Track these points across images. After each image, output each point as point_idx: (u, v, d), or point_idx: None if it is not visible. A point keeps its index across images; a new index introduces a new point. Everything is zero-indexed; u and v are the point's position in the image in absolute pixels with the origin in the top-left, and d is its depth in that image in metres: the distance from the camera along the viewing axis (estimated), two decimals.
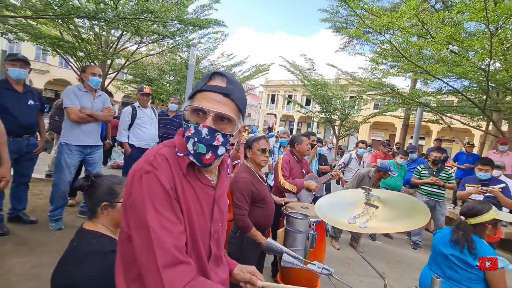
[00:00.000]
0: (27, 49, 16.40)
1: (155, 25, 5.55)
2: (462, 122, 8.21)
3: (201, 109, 0.80)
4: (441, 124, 11.04)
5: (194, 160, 0.82)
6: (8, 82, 2.85)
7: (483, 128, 8.82)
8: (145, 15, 4.08)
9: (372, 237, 4.73)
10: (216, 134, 0.80)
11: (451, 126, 9.89)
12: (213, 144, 0.80)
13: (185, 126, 0.83)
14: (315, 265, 1.31)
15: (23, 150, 2.94)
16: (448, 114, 8.93)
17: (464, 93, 7.07)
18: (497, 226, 1.75)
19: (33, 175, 3.50)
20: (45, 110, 3.35)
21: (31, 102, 2.97)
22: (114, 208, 1.28)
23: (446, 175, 4.56)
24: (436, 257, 1.87)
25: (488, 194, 3.44)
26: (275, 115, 36.09)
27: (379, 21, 5.40)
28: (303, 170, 3.09)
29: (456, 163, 6.75)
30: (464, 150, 6.95)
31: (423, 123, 10.18)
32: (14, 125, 2.75)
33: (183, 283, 0.68)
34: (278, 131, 5.54)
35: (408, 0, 5.56)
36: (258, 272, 1.08)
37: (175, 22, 5.40)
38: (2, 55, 7.04)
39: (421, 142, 21.13)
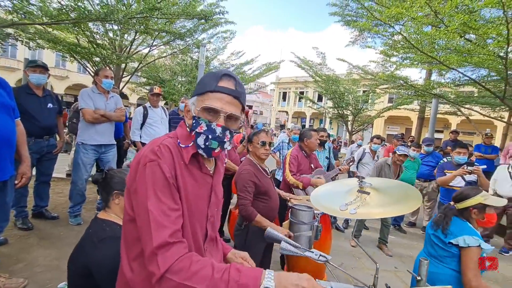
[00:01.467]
0: (48, 56, 17.22)
1: (163, 22, 5.68)
2: (481, 114, 7.88)
3: (216, 110, 0.87)
4: (460, 116, 10.63)
5: (203, 153, 0.90)
6: (29, 87, 3.04)
7: (505, 119, 8.41)
8: (153, 12, 4.22)
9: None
10: (227, 132, 0.90)
11: (470, 118, 9.50)
12: (224, 140, 0.90)
13: (194, 122, 0.89)
14: (313, 252, 1.34)
15: (44, 151, 3.13)
16: (467, 106, 8.57)
17: (483, 83, 6.79)
18: (484, 211, 1.76)
19: (55, 175, 3.72)
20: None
21: (50, 105, 3.15)
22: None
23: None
24: (426, 237, 1.97)
25: (469, 177, 3.56)
26: (287, 112, 35.92)
27: (387, 13, 5.28)
28: (312, 165, 3.11)
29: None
30: (482, 142, 6.68)
31: (440, 116, 9.82)
32: (36, 127, 2.93)
33: (174, 259, 0.75)
34: (289, 128, 5.56)
35: None
36: (250, 258, 1.14)
37: (182, 18, 5.52)
38: (25, 63, 7.51)
39: (439, 135, 20.40)
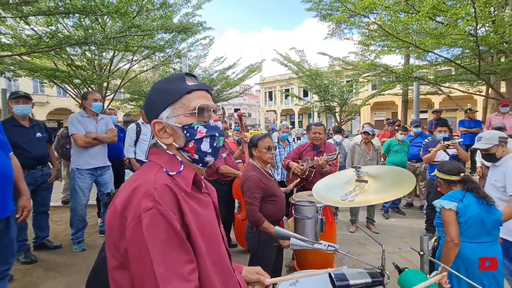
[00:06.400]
0: (25, 83, 16.78)
1: (144, 41, 5.70)
2: (460, 90, 8.18)
3: (208, 106, 0.78)
4: (441, 94, 10.99)
5: (211, 160, 0.81)
6: (15, 119, 3.00)
7: (483, 93, 8.76)
8: (132, 30, 4.22)
9: (385, 216, 4.80)
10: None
11: (451, 95, 9.84)
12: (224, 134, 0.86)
13: (187, 132, 0.77)
14: (321, 243, 1.41)
15: (38, 181, 3.10)
16: (446, 84, 8.89)
17: (458, 61, 7.06)
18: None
19: (50, 203, 3.66)
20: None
21: (39, 134, 3.12)
22: None
23: None
24: None
25: (452, 151, 3.75)
26: (274, 111, 36.13)
27: (361, 4, 5.45)
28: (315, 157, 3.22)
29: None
30: (466, 117, 6.95)
31: (423, 96, 10.16)
32: (27, 158, 2.90)
33: None
34: (280, 127, 5.55)
35: None
36: (264, 271, 1.09)
37: (161, 32, 5.55)
38: (2, 93, 7.30)
39: (424, 116, 20.94)
